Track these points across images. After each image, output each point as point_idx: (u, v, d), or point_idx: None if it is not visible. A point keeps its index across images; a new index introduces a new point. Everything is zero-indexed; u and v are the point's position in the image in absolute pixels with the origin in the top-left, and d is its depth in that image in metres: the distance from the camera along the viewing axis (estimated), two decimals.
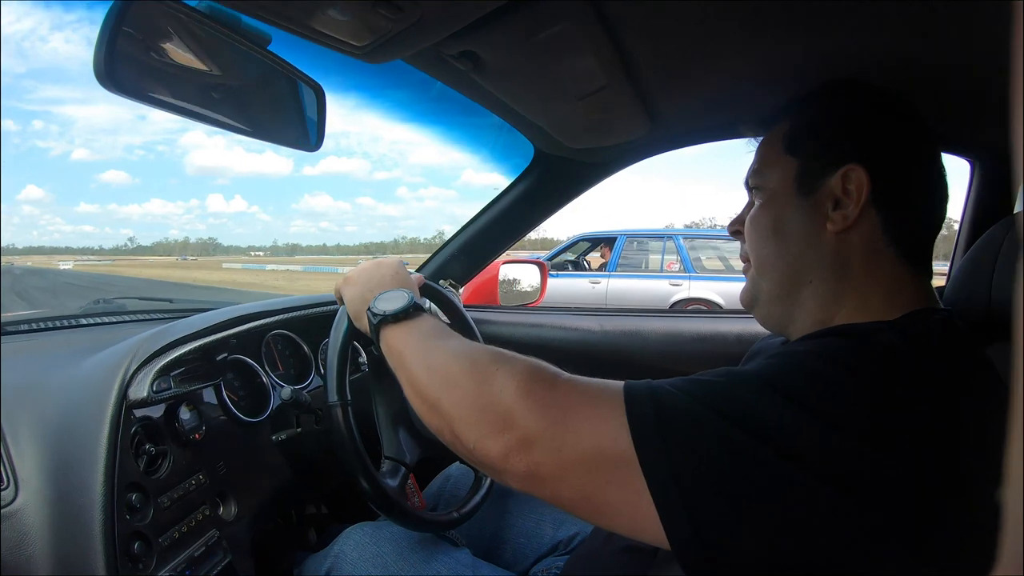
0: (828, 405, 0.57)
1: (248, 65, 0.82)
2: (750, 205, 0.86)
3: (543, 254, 9.95)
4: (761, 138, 0.87)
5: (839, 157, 0.75)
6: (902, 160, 0.76)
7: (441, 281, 1.65)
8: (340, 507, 1.37)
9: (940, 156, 0.79)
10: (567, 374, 0.68)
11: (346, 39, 0.76)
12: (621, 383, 0.63)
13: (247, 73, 0.84)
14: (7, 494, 0.80)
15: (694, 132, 1.41)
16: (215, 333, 1.08)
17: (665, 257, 8.79)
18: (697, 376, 0.63)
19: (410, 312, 0.84)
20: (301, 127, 0.95)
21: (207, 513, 0.97)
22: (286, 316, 1.26)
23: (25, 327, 1.23)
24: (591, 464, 0.60)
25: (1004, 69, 0.71)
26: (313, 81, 0.90)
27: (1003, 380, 0.65)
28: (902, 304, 0.73)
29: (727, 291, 8.02)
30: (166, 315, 1.41)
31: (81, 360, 0.98)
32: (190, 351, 1.01)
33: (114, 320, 1.36)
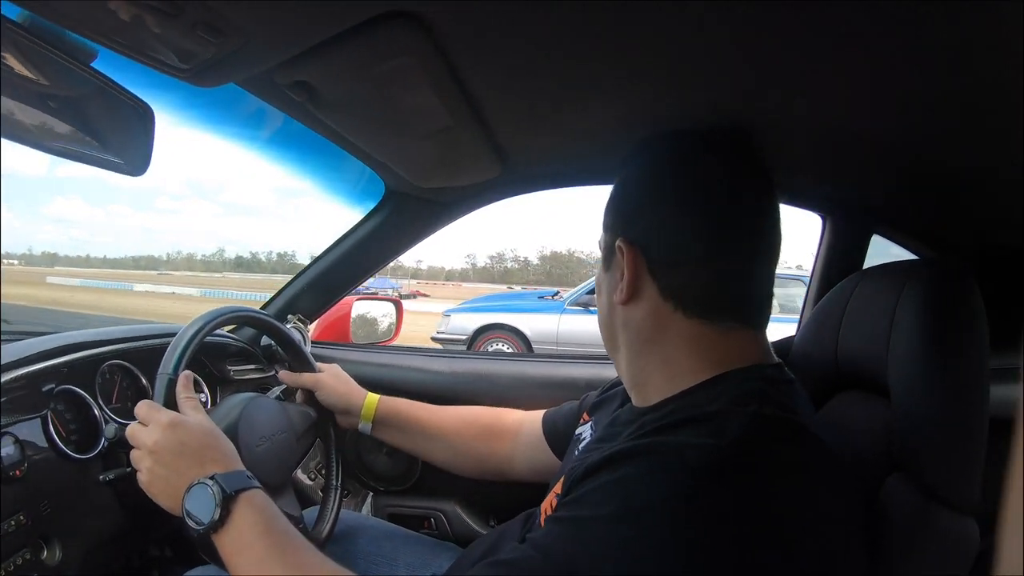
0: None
1: (72, 82, 0.80)
2: None
3: (549, 289, 9.29)
4: None
5: (614, 231, 0.81)
6: (669, 223, 0.77)
7: (290, 316, 1.62)
8: (185, 549, 1.30)
9: (740, 210, 0.77)
10: None
11: (168, 60, 0.75)
12: None
13: (70, 90, 0.82)
14: None
15: (546, 176, 1.46)
16: (43, 361, 1.02)
17: None
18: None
19: (224, 516, 0.79)
20: (126, 150, 0.92)
21: (28, 557, 0.91)
22: (124, 346, 1.20)
23: None
24: None
25: (855, 133, 0.81)
26: (141, 101, 0.88)
27: (822, 440, 0.67)
28: (714, 362, 0.74)
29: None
30: None
31: None
32: (13, 379, 0.96)
33: None
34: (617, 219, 0.82)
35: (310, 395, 1.31)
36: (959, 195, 1.20)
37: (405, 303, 2.01)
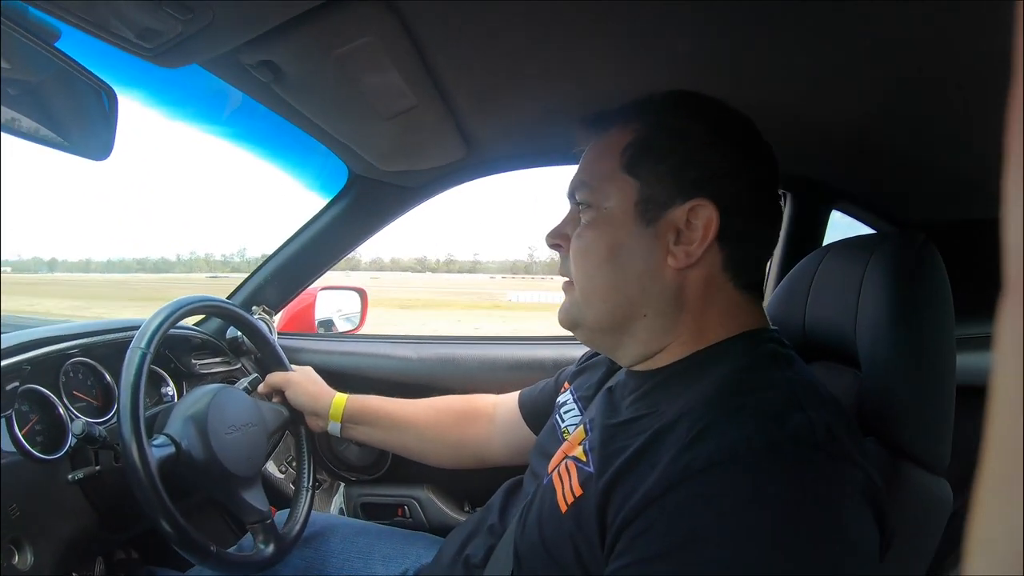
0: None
1: (33, 63, 0.77)
2: (574, 219, 0.81)
3: None
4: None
5: (688, 189, 0.72)
6: (748, 194, 0.73)
7: (254, 307, 1.60)
8: (151, 551, 1.28)
9: (777, 183, 0.78)
10: None
11: (134, 39, 0.73)
12: None
13: (32, 72, 0.79)
14: None
15: (511, 158, 1.47)
16: (5, 358, 0.99)
17: None
18: None
19: None
20: (90, 133, 0.89)
21: None
22: (86, 341, 1.17)
23: None
24: None
25: (813, 116, 0.83)
26: (105, 84, 0.85)
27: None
28: (736, 326, 0.74)
29: None
30: None
31: None
32: None
33: None
34: (684, 174, 0.72)
35: (281, 394, 1.30)
36: (910, 173, 1.25)
37: None
